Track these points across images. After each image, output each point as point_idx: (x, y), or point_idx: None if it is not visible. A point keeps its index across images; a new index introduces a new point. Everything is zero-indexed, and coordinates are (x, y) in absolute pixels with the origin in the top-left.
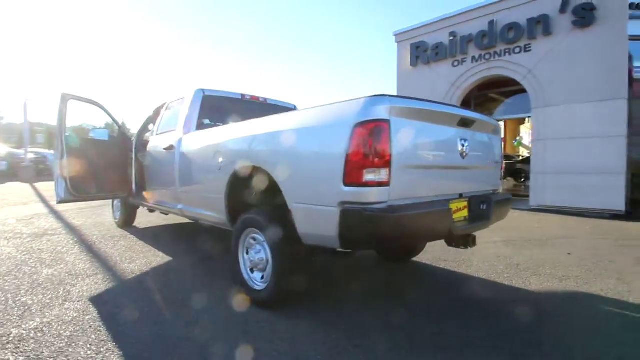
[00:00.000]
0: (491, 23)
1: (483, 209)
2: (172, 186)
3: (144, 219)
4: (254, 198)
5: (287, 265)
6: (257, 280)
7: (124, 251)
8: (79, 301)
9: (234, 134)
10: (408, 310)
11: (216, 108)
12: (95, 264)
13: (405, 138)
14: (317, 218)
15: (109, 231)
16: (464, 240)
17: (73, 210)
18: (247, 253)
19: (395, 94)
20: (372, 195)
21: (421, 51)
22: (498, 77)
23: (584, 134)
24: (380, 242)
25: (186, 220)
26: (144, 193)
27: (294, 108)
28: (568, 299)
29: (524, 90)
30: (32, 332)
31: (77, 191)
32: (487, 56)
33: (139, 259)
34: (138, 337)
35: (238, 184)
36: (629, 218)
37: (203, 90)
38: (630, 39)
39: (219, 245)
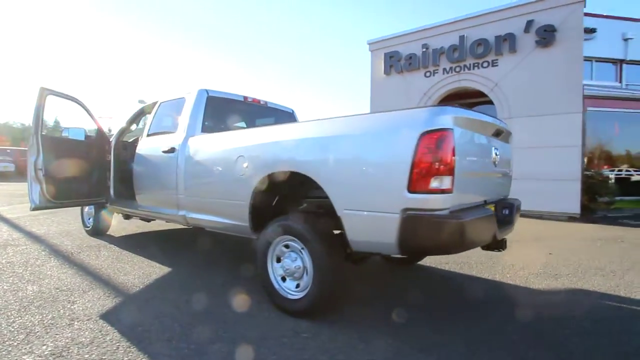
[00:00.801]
0: (461, 38)
1: (506, 214)
2: (171, 192)
3: (118, 226)
4: (288, 204)
5: (329, 273)
6: (291, 289)
7: (112, 262)
8: (88, 320)
9: (265, 138)
10: (433, 312)
11: (219, 110)
12: (84, 277)
13: (463, 147)
14: (372, 224)
15: (83, 240)
16: (500, 244)
17: (26, 218)
18: (278, 261)
19: (369, 101)
20: (436, 202)
21: (395, 60)
22: (467, 88)
23: (544, 144)
24: (442, 248)
25: (167, 226)
26: (126, 198)
27: (292, 112)
28: (571, 294)
29: (489, 102)
30: (51, 357)
31: (53, 196)
32: (458, 69)
33: (134, 270)
34: (180, 356)
35: (267, 190)
36: (581, 220)
37: (207, 91)
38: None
39: (213, 250)
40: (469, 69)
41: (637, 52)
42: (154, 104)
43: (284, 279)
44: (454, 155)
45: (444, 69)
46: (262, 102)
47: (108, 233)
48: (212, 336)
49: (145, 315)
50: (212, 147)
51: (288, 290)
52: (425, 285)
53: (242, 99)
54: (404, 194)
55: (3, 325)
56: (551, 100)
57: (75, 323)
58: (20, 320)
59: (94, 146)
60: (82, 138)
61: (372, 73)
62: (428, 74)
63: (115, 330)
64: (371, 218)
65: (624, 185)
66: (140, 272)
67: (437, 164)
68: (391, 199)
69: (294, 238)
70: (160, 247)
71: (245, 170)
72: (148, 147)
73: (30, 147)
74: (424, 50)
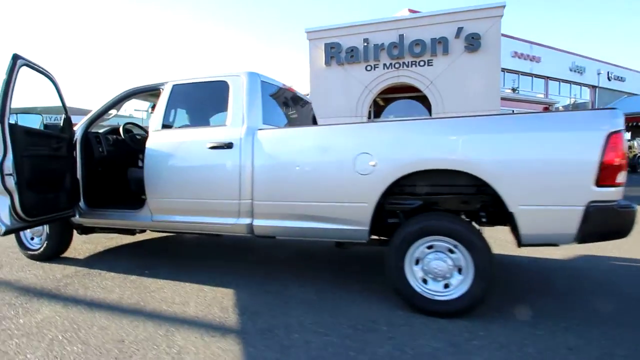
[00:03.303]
0: (401, 36)
1: None
2: (229, 196)
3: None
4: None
5: (490, 269)
6: (439, 291)
7: (144, 295)
8: None
9: (410, 133)
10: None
11: (266, 98)
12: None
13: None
14: (552, 218)
15: (38, 269)
16: None
17: None
18: (417, 263)
19: (308, 91)
20: (617, 194)
21: (336, 52)
22: (405, 84)
23: None
24: (621, 233)
25: (139, 236)
26: (113, 208)
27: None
28: (589, 259)
29: (423, 96)
30: None
31: (28, 212)
32: (397, 65)
33: (192, 300)
34: None
35: (399, 190)
36: None
37: (258, 75)
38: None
39: (257, 257)
40: (408, 66)
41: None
42: (158, 86)
43: (424, 281)
44: (624, 152)
45: (384, 64)
46: (294, 91)
47: (64, 255)
48: (395, 351)
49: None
50: (305, 142)
51: (434, 292)
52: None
53: (282, 86)
54: (591, 188)
55: None
56: (477, 98)
57: None
58: None
59: (64, 140)
60: (38, 126)
61: (312, 62)
62: (369, 67)
63: None
64: (551, 212)
65: None
66: (208, 301)
67: (619, 160)
68: (577, 193)
69: (442, 237)
70: (172, 261)
71: (371, 168)
72: (171, 142)
73: None
74: (365, 44)
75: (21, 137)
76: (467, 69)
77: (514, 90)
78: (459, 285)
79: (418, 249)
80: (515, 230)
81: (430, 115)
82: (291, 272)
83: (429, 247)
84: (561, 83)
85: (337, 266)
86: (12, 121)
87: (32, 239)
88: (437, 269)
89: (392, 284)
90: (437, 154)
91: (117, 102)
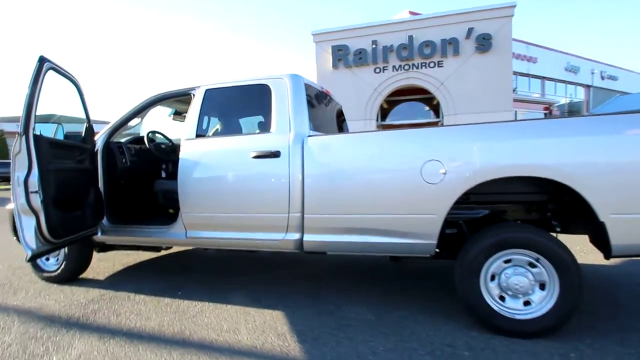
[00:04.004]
0: (410, 38)
1: None
2: (278, 209)
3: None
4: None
5: (577, 286)
6: (518, 309)
7: (189, 321)
8: None
9: (484, 139)
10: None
11: (310, 102)
12: None
13: None
14: None
15: (68, 297)
16: None
17: None
18: (492, 279)
19: None
20: None
21: (343, 54)
22: (415, 86)
23: None
24: None
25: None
26: (142, 224)
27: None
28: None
29: (432, 98)
30: None
31: (54, 233)
32: (407, 67)
33: (239, 324)
34: None
35: (462, 198)
36: None
37: (302, 77)
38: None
39: (303, 275)
40: (417, 67)
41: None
42: (188, 92)
43: (502, 299)
44: None
45: (394, 67)
46: (330, 94)
47: (82, 276)
48: None
49: None
50: (364, 149)
51: (513, 311)
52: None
53: (320, 89)
54: None
55: None
56: (489, 99)
57: None
58: None
59: (86, 151)
60: (61, 137)
61: (318, 65)
62: (378, 70)
63: None
64: None
65: None
66: (259, 326)
67: None
68: None
69: (523, 250)
70: (203, 279)
71: (441, 177)
72: (208, 151)
73: (15, 157)
74: (373, 46)
75: (46, 149)
76: (478, 70)
77: (513, 90)
78: (542, 302)
79: (494, 263)
80: (601, 240)
81: (440, 117)
82: (338, 289)
83: (506, 262)
84: (557, 83)
85: (386, 281)
86: (36, 132)
87: (47, 259)
88: (518, 285)
89: (465, 302)
90: (518, 160)
91: (142, 110)
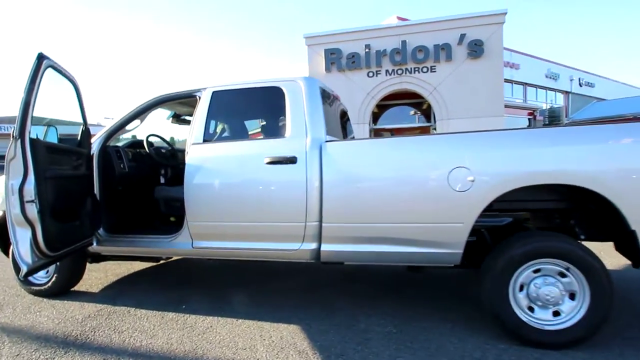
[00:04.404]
0: (403, 42)
1: None
2: (293, 218)
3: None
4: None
5: (608, 295)
6: (548, 320)
7: (200, 338)
8: None
9: (513, 144)
10: None
11: (325, 107)
12: None
13: None
14: None
15: (62, 313)
16: None
17: None
18: (521, 289)
19: None
20: None
21: (336, 58)
22: (408, 90)
23: None
24: None
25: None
26: (141, 233)
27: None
28: None
29: (424, 102)
30: None
31: (51, 245)
32: (400, 71)
33: (255, 341)
34: None
35: (499, 208)
36: None
37: (316, 80)
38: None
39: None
40: (410, 72)
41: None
42: (192, 93)
43: (531, 309)
44: None
45: (387, 71)
46: (339, 99)
47: (74, 288)
48: None
49: None
50: (387, 155)
51: (543, 321)
52: None
53: (332, 93)
54: None
55: None
56: (480, 104)
57: None
58: None
59: (82, 155)
60: (55, 140)
61: (311, 68)
62: (371, 74)
63: None
64: None
65: None
66: (276, 342)
67: None
68: None
69: (553, 260)
70: (205, 290)
71: (469, 184)
72: (217, 156)
73: (9, 162)
74: (366, 50)
75: (42, 154)
76: (470, 76)
77: None
78: (572, 312)
79: (524, 273)
80: (629, 248)
81: (434, 121)
82: (352, 300)
83: (535, 271)
84: (538, 89)
85: (400, 290)
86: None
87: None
88: (548, 296)
89: (492, 314)
90: (550, 167)
91: (142, 112)
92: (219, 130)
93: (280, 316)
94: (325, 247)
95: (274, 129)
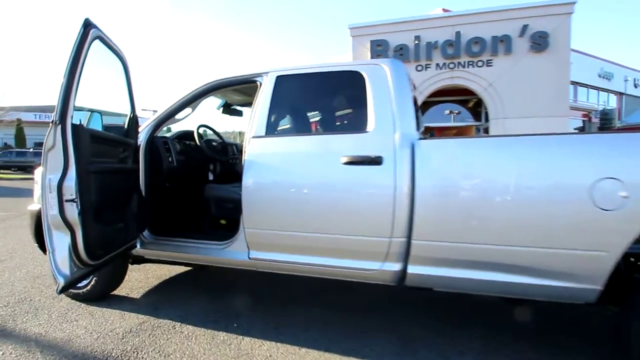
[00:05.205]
0: (457, 34)
1: None
2: (375, 231)
3: None
4: None
5: None
6: None
7: None
8: None
9: None
10: None
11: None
12: None
13: None
14: None
15: (101, 323)
16: None
17: None
18: None
19: None
20: None
21: (383, 50)
22: (459, 86)
23: None
24: None
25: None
26: (188, 237)
27: None
28: None
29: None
30: None
31: (93, 253)
32: (452, 65)
33: None
34: None
35: None
36: None
37: (402, 64)
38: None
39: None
40: (464, 66)
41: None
42: (252, 78)
43: None
44: None
45: (437, 64)
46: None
47: (114, 292)
48: None
49: None
50: (499, 159)
51: None
52: None
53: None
54: None
55: None
56: (542, 103)
57: None
58: None
59: (130, 147)
60: (99, 127)
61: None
62: (420, 67)
63: None
64: None
65: None
66: None
67: None
68: None
69: None
70: (255, 302)
71: (620, 202)
72: (283, 152)
73: (47, 153)
74: (416, 42)
75: (87, 145)
76: (532, 71)
77: None
78: None
79: None
80: None
81: (484, 120)
82: (432, 328)
83: None
84: (589, 89)
85: (488, 311)
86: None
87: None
88: None
89: None
90: None
91: (195, 99)
92: (283, 121)
93: (348, 346)
94: (412, 269)
95: (351, 122)
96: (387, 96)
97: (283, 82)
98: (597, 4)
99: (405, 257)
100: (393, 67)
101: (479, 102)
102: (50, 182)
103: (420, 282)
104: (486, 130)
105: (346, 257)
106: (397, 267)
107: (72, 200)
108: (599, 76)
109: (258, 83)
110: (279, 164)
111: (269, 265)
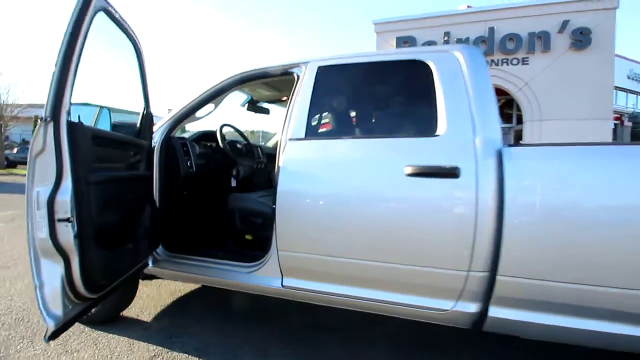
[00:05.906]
0: (491, 30)
1: None
2: (446, 262)
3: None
4: None
5: None
6: None
7: None
8: None
9: None
10: None
11: None
12: None
13: None
14: None
15: (106, 355)
16: None
17: None
18: None
19: None
20: None
21: (409, 47)
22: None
23: None
24: None
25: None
26: (206, 255)
27: None
28: None
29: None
30: None
31: (95, 285)
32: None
33: None
34: None
35: None
36: None
37: (479, 51)
38: None
39: None
40: (497, 64)
41: None
42: (288, 69)
43: None
44: None
45: None
46: None
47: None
48: None
49: None
50: (623, 172)
51: None
52: None
53: None
54: None
55: None
56: (583, 104)
57: None
58: None
59: (142, 149)
60: (107, 127)
61: None
62: None
63: None
64: None
65: None
66: None
67: None
68: None
69: None
70: (277, 328)
71: None
72: (327, 159)
73: (35, 157)
74: (445, 39)
75: (86, 147)
76: (572, 70)
77: None
78: None
79: None
80: None
81: (515, 122)
82: None
83: None
84: (618, 91)
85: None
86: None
87: None
88: None
89: None
90: None
91: (219, 94)
92: (328, 121)
93: None
94: (495, 312)
95: (414, 123)
96: (463, 91)
97: (326, 74)
98: (626, 2)
99: (487, 296)
100: (469, 54)
101: (508, 103)
102: (38, 197)
103: (504, 329)
104: (519, 133)
105: (409, 292)
106: (474, 308)
107: (67, 220)
108: (628, 78)
109: (295, 75)
110: (324, 174)
111: (307, 296)
